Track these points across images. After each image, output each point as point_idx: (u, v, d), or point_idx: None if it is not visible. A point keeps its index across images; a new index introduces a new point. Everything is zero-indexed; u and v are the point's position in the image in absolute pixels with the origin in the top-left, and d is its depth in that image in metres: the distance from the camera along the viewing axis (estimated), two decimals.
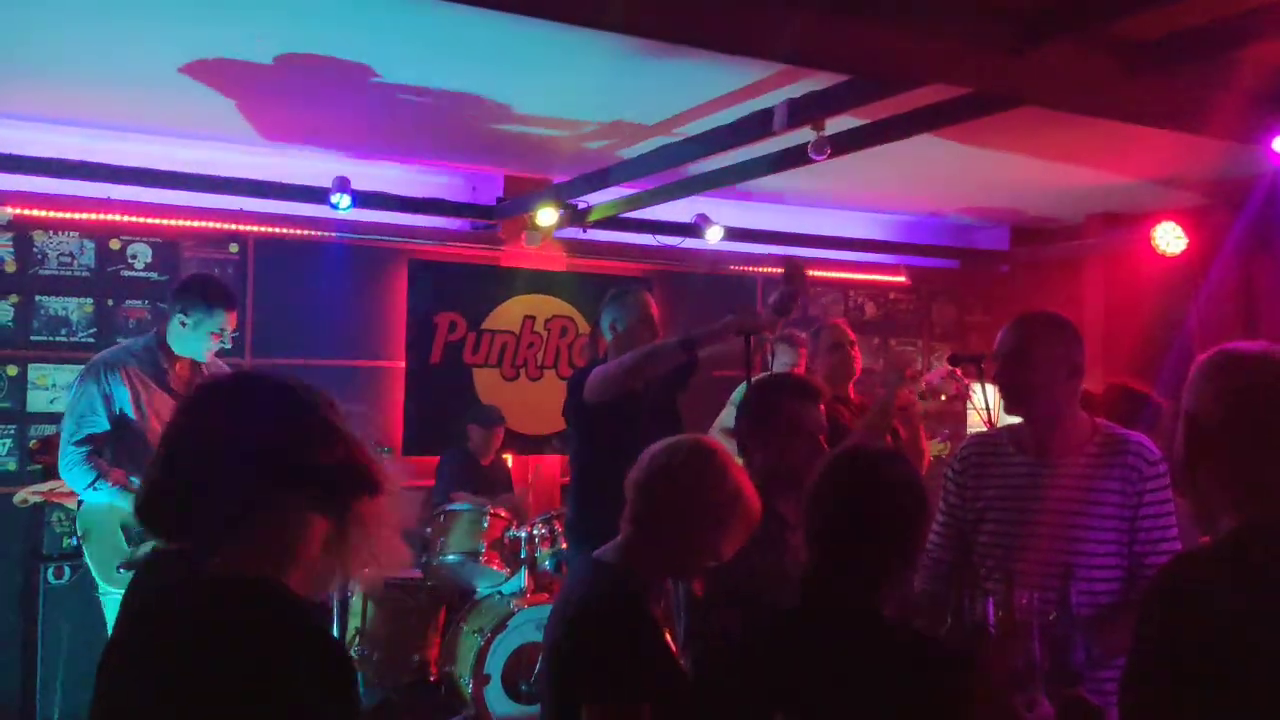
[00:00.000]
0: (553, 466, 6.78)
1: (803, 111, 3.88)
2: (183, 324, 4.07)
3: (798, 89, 4.03)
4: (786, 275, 3.92)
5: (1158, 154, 5.41)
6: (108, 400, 4.00)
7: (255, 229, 6.02)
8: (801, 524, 2.03)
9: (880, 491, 1.99)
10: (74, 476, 3.99)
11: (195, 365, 4.17)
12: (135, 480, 3.94)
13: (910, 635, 2.00)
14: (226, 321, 4.10)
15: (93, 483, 3.95)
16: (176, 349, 4.12)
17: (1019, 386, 2.74)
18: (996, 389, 2.82)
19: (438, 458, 6.08)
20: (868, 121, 4.27)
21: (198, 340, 4.09)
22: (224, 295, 4.15)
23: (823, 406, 2.97)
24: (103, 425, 4.00)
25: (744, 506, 2.29)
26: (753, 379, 3.82)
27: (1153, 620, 1.63)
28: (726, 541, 2.27)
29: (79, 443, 3.97)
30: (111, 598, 3.94)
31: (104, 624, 4.03)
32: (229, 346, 4.25)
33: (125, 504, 3.90)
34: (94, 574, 4.03)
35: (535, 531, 5.31)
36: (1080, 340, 2.74)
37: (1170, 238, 6.27)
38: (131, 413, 4.00)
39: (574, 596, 2.20)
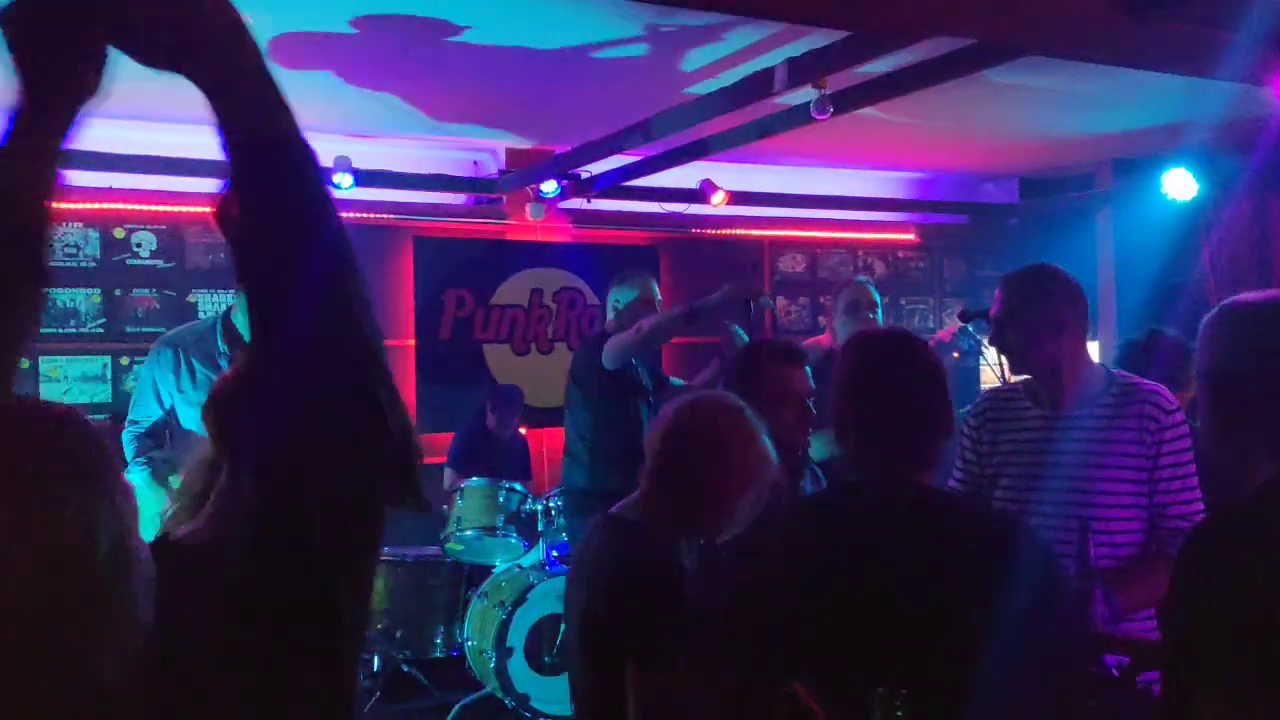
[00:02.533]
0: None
1: (803, 70, 3.83)
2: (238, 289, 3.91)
3: (799, 48, 3.98)
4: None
5: (1165, 99, 5.33)
6: (155, 386, 3.87)
7: None
8: (835, 409, 1.95)
9: (908, 363, 1.93)
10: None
11: None
12: (174, 480, 3.88)
13: (970, 506, 1.95)
14: None
15: (129, 462, 3.86)
16: (241, 326, 3.87)
17: (1011, 347, 2.73)
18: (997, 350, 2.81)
19: (451, 434, 6.08)
20: (870, 78, 4.22)
21: None
22: None
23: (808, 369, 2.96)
24: (153, 411, 3.87)
25: (765, 466, 2.27)
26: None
27: (1189, 582, 1.60)
28: (745, 501, 2.25)
29: (131, 421, 3.93)
30: None
31: None
32: None
33: (150, 496, 3.72)
34: None
35: (551, 504, 5.32)
36: (1069, 292, 2.69)
37: (1181, 183, 6.20)
38: (177, 399, 3.84)
39: (602, 558, 2.17)
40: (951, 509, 1.92)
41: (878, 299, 4.51)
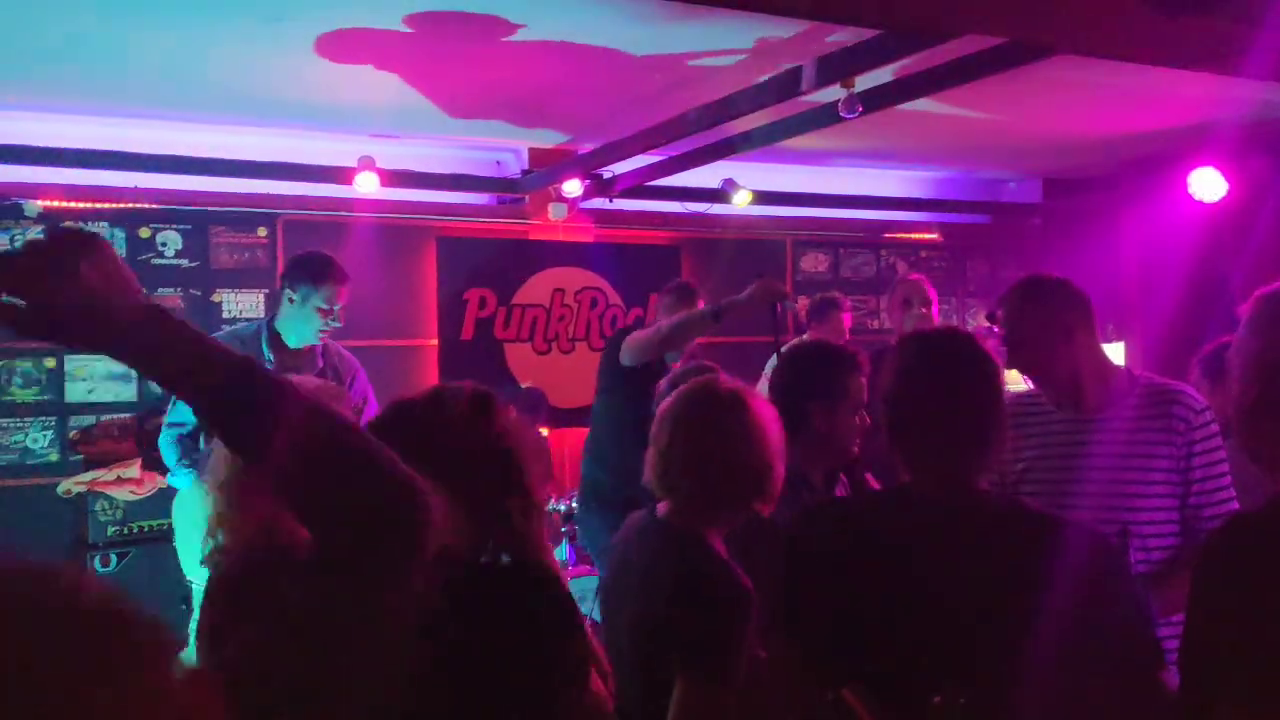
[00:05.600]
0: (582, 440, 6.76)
1: (832, 69, 3.81)
2: (290, 300, 3.88)
3: (827, 46, 3.96)
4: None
5: (1192, 98, 5.28)
6: None
7: (283, 212, 6.02)
8: (889, 410, 1.93)
9: (964, 364, 1.90)
10: (165, 455, 3.90)
11: (309, 354, 3.95)
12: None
13: (1021, 508, 1.92)
14: (333, 295, 3.86)
15: (173, 466, 3.85)
16: (286, 334, 3.92)
17: (1023, 361, 2.70)
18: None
19: None
20: (899, 77, 4.20)
21: (305, 319, 3.87)
22: (329, 266, 3.92)
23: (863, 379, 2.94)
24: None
25: (775, 426, 2.25)
26: (783, 345, 3.87)
27: (1210, 586, 1.57)
28: (780, 464, 2.22)
29: (170, 424, 3.83)
30: (196, 587, 3.86)
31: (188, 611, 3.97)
32: (340, 325, 3.98)
33: (197, 497, 3.60)
34: (181, 563, 3.97)
35: (574, 505, 5.31)
36: (1068, 297, 2.67)
37: (1208, 184, 6.14)
38: None
39: (658, 567, 2.14)
40: (1006, 513, 1.88)
41: (928, 296, 4.53)
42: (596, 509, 4.48)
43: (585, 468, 4.71)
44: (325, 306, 3.87)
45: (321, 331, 3.92)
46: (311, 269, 3.92)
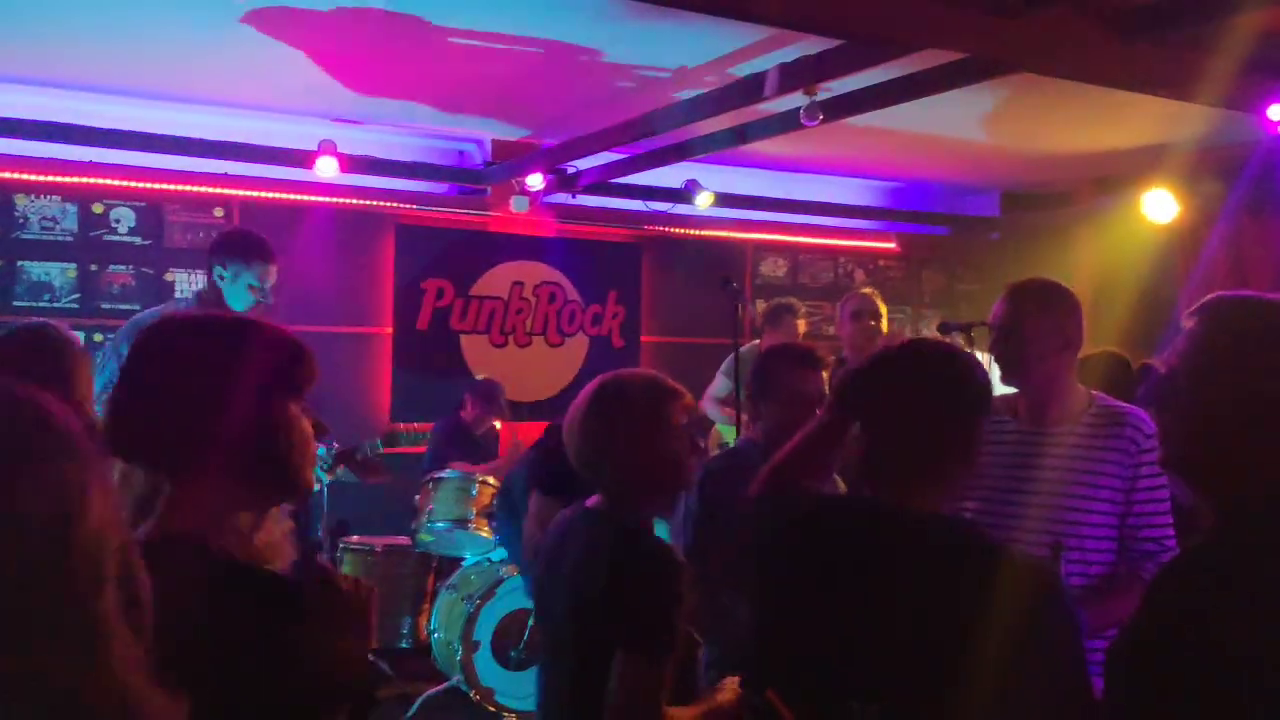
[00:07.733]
0: (538, 433, 6.76)
1: (795, 76, 3.84)
2: (221, 278, 3.84)
3: (790, 53, 3.98)
4: None
5: (1147, 121, 5.38)
6: None
7: (241, 193, 5.96)
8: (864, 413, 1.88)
9: (921, 380, 1.83)
10: None
11: None
12: None
13: (977, 535, 1.91)
14: (265, 273, 3.84)
15: None
16: (232, 303, 3.84)
17: (1013, 358, 2.73)
18: (993, 359, 2.79)
19: (424, 424, 6.03)
20: (860, 86, 4.23)
21: (237, 296, 3.84)
22: (260, 245, 3.89)
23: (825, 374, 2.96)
24: None
25: (672, 404, 2.24)
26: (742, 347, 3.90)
27: (1154, 616, 1.53)
28: (682, 446, 2.24)
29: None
30: None
31: None
32: (270, 303, 3.90)
33: None
34: None
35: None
36: (1075, 310, 2.71)
37: (1160, 204, 6.26)
38: None
39: (592, 552, 2.14)
40: (959, 540, 1.86)
41: (882, 309, 4.58)
42: None
43: None
44: (256, 284, 3.85)
45: (252, 309, 3.85)
46: (242, 246, 3.89)
